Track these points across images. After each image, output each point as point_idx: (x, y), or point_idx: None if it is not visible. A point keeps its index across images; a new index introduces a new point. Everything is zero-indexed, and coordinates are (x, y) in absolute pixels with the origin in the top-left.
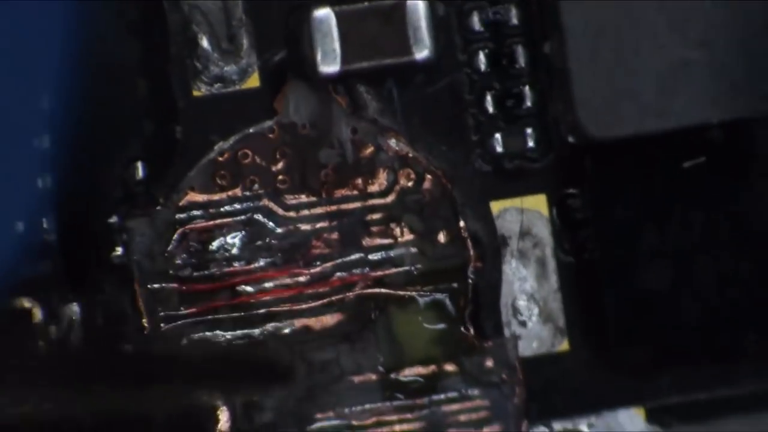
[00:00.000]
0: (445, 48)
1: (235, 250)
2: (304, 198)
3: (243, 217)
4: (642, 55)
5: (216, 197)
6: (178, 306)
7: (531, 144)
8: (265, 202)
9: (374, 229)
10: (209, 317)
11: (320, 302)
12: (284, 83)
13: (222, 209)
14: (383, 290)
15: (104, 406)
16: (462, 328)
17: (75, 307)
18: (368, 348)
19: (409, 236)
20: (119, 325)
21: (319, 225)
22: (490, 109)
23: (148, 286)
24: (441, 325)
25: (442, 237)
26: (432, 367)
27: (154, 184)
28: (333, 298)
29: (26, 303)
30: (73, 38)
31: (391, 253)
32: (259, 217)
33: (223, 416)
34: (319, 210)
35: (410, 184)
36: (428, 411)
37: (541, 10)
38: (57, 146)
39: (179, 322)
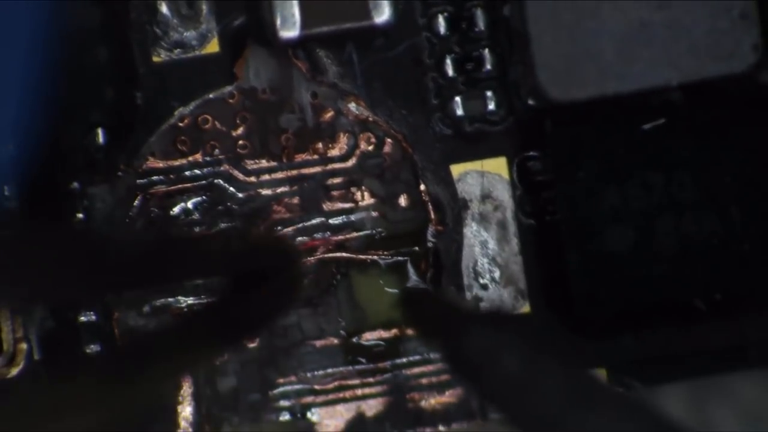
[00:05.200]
0: (405, 12)
1: (196, 216)
2: (264, 163)
3: (204, 182)
4: (601, 17)
5: (177, 163)
6: None
7: (491, 107)
8: (226, 167)
9: (335, 193)
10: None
11: None
12: (244, 48)
13: (183, 174)
14: (345, 254)
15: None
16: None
17: None
18: (330, 312)
19: (369, 200)
20: None
21: (279, 190)
22: (450, 73)
23: None
24: (402, 289)
25: (402, 201)
26: (394, 331)
27: (115, 150)
28: None
29: None
30: (34, 7)
31: (352, 218)
32: (219, 182)
33: (186, 382)
34: (279, 175)
35: (371, 148)
36: (390, 375)
37: None
38: (18, 114)
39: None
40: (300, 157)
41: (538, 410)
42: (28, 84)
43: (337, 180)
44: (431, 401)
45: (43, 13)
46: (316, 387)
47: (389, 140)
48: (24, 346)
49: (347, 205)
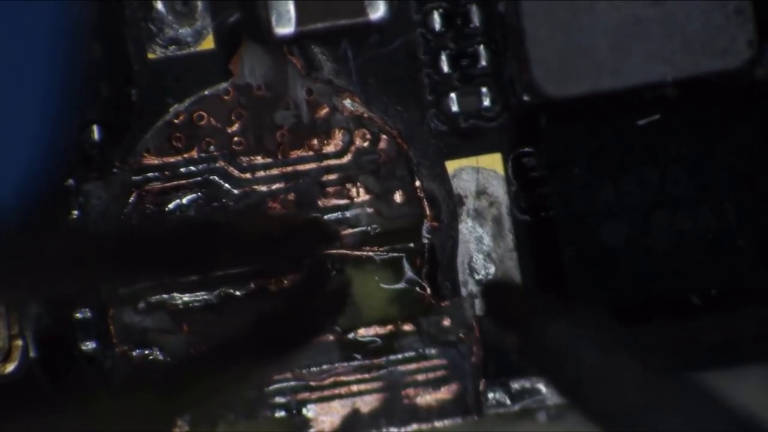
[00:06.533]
0: (399, 8)
1: (191, 212)
2: (259, 159)
3: (199, 178)
4: (596, 13)
5: (172, 159)
6: None
7: (486, 103)
8: (221, 163)
9: (330, 189)
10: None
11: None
12: (239, 45)
13: (178, 171)
14: (340, 251)
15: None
16: (419, 288)
17: None
18: None
19: (365, 196)
20: None
21: (275, 186)
22: (445, 69)
23: None
24: (398, 285)
25: (398, 197)
26: (389, 327)
27: (110, 147)
28: None
29: None
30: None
31: (348, 214)
32: (215, 178)
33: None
34: (274, 171)
35: (366, 144)
36: (386, 371)
37: None
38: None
39: (136, 286)
40: (295, 154)
41: (616, 403)
42: (42, 88)
43: (332, 176)
44: (426, 397)
45: (54, 15)
46: (312, 383)
47: (384, 136)
48: (19, 342)
49: (342, 202)
